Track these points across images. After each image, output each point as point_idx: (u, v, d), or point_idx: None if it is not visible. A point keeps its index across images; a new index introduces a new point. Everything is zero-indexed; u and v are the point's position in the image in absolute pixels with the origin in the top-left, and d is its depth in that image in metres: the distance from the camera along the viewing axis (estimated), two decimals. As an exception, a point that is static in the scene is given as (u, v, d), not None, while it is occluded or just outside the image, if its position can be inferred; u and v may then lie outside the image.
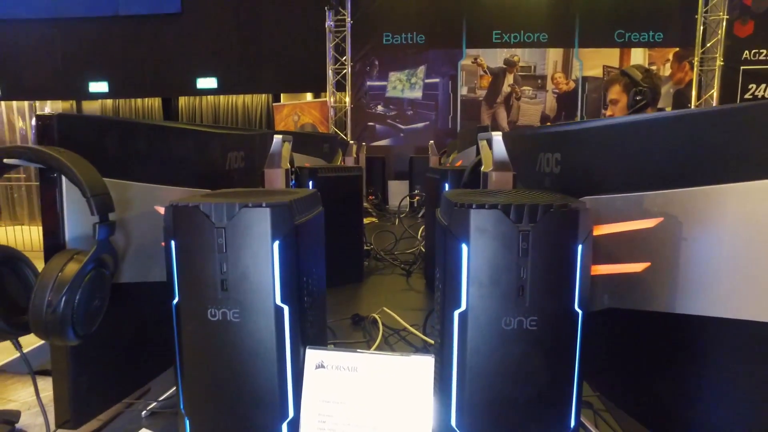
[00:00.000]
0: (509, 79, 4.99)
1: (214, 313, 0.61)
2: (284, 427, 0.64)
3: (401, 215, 2.91)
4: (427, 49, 4.96)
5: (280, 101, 5.73)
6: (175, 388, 0.67)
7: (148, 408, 0.89)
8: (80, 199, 0.59)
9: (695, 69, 4.72)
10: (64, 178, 0.62)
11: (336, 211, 1.60)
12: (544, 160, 0.90)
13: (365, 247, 1.89)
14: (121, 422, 0.87)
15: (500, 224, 0.57)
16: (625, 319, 0.69)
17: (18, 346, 0.61)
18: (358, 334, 1.21)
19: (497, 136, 0.87)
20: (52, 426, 0.68)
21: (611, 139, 0.73)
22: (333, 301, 1.48)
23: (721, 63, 4.64)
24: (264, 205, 0.60)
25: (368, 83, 5.12)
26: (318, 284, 0.76)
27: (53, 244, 0.61)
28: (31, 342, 0.66)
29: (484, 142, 0.92)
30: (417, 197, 3.06)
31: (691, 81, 4.77)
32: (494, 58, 4.97)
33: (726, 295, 0.53)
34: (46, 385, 0.73)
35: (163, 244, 0.63)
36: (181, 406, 0.66)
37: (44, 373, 0.78)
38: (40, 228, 0.62)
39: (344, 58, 5.07)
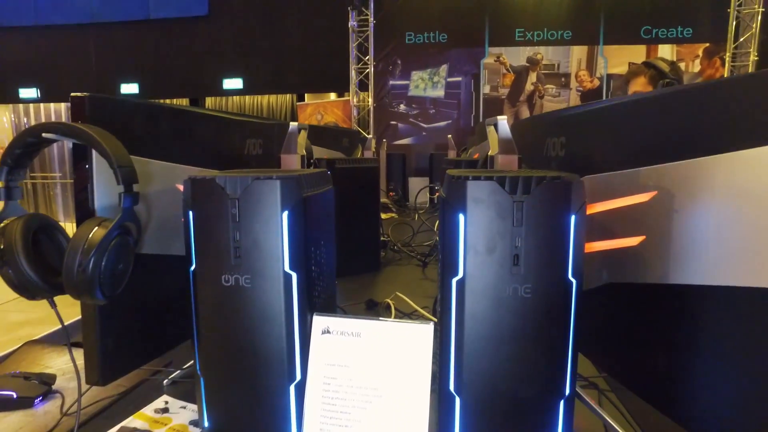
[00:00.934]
0: (532, 77, 4.96)
1: (227, 279, 0.66)
2: (291, 388, 0.68)
3: (420, 211, 2.93)
4: (449, 47, 4.98)
5: (304, 101, 5.83)
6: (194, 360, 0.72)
7: (170, 377, 0.94)
8: (108, 173, 0.65)
9: (727, 65, 4.60)
10: (94, 154, 0.68)
11: (353, 202, 1.65)
12: (551, 145, 0.92)
13: (382, 238, 1.92)
14: (145, 390, 0.93)
15: (495, 195, 0.60)
16: (624, 293, 0.71)
17: (53, 305, 0.66)
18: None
19: (502, 120, 0.89)
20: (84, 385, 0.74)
21: (610, 119, 0.74)
22: (348, 288, 1.53)
23: (756, 58, 4.51)
24: (274, 177, 0.65)
25: (391, 82, 5.17)
26: (327, 257, 0.80)
27: (83, 213, 0.67)
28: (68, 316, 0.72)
29: (491, 127, 0.95)
30: (438, 193, 3.08)
31: (722, 77, 4.66)
32: (517, 56, 4.95)
33: (715, 263, 0.55)
34: (77, 355, 0.79)
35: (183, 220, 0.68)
36: (198, 368, 0.71)
37: (77, 345, 0.84)
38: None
39: (367, 57, 5.14)
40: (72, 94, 0.67)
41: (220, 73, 5.85)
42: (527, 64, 4.94)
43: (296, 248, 0.66)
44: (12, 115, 8.24)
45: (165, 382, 0.94)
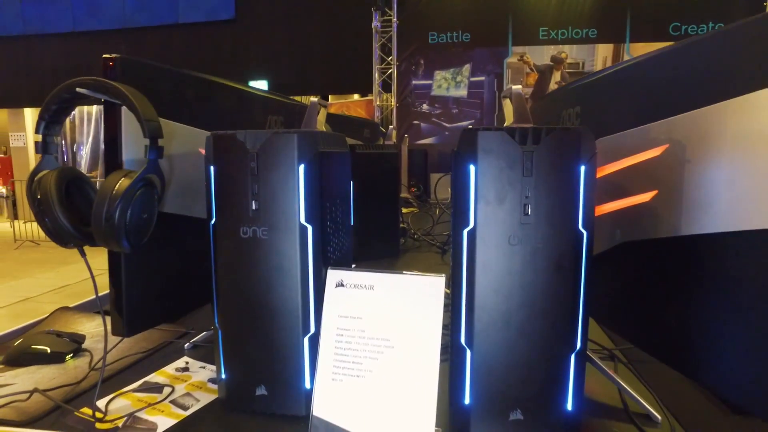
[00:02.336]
0: (556, 76, 4.92)
1: (245, 231, 0.69)
2: (306, 341, 0.70)
3: (443, 204, 2.93)
4: (472, 47, 4.98)
5: (327, 100, 5.91)
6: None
7: (191, 341, 0.98)
8: (136, 131, 0.68)
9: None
10: (123, 112, 0.72)
11: (372, 188, 1.67)
12: (566, 116, 0.92)
13: (402, 226, 1.94)
14: (167, 352, 0.96)
15: (505, 145, 0.61)
16: (637, 252, 0.71)
17: (83, 254, 0.70)
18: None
19: (516, 88, 0.90)
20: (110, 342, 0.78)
21: (620, 81, 0.75)
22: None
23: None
24: (292, 132, 0.67)
25: (414, 82, 5.19)
26: (342, 217, 0.82)
27: (112, 167, 0.70)
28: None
29: (507, 100, 0.95)
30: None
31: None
32: (541, 55, 4.92)
33: (728, 209, 0.55)
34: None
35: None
36: (216, 321, 0.73)
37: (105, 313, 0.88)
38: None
39: (390, 58, 5.18)
40: (104, 55, 0.71)
41: (246, 75, 5.99)
42: (551, 63, 4.90)
43: (312, 201, 0.68)
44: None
45: (186, 345, 0.97)
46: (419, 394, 0.64)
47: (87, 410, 0.73)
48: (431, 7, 5.01)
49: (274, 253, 0.68)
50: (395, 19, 5.06)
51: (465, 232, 0.64)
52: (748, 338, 0.54)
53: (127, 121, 0.72)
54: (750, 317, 0.54)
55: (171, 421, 0.71)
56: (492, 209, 0.62)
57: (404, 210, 2.68)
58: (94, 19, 6.59)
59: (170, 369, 0.88)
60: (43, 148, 0.69)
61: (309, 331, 0.70)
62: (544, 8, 4.79)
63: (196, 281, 0.80)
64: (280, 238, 0.68)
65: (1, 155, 8.62)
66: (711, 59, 0.57)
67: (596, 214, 0.78)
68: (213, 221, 0.71)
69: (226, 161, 0.69)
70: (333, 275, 0.70)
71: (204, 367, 0.89)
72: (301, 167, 0.67)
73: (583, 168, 0.61)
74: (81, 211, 0.69)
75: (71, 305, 1.19)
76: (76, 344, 0.93)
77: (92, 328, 1.05)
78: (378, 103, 5.33)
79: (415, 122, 5.23)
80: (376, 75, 5.26)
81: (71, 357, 0.91)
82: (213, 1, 5.75)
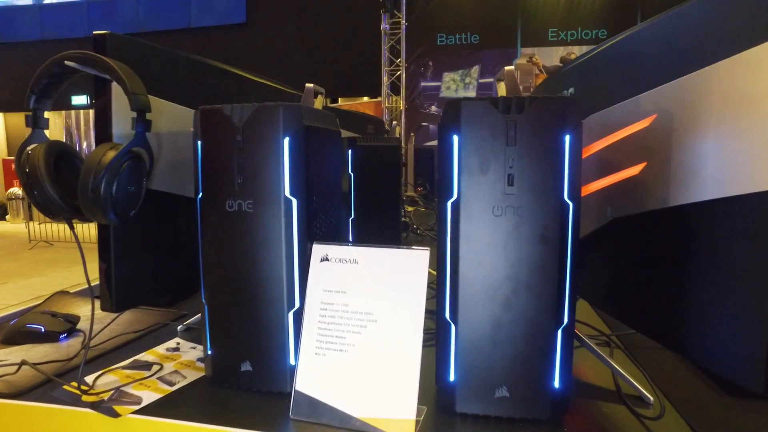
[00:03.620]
0: (566, 77, 4.89)
1: (231, 205, 0.69)
2: (290, 315, 0.70)
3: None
4: (481, 48, 4.98)
5: (337, 102, 5.94)
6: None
7: (184, 323, 0.98)
8: (126, 107, 0.69)
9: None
10: (113, 89, 0.72)
11: (373, 181, 1.67)
12: (562, 98, 0.91)
13: (404, 219, 1.93)
14: (160, 334, 0.96)
15: (488, 114, 0.60)
16: (627, 228, 0.69)
17: (72, 228, 0.71)
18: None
19: (509, 69, 0.89)
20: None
21: (612, 57, 0.74)
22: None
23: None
24: (277, 104, 0.67)
25: (422, 84, 5.20)
26: (331, 193, 0.81)
27: (102, 141, 0.71)
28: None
29: (501, 83, 0.95)
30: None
31: None
32: (550, 56, 4.90)
33: (716, 175, 0.53)
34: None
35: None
36: (203, 297, 0.73)
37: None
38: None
39: (399, 60, 5.19)
40: (95, 32, 0.71)
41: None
42: (561, 65, 4.87)
43: (297, 174, 0.68)
44: (65, 121, 8.76)
45: (179, 327, 0.97)
46: (402, 367, 0.63)
47: (75, 384, 0.73)
48: (440, 8, 5.02)
49: (259, 227, 0.68)
50: (404, 21, 5.08)
51: (449, 203, 0.63)
52: (735, 307, 0.53)
53: (118, 98, 0.73)
54: (736, 285, 0.52)
55: (156, 396, 0.71)
56: (475, 180, 0.61)
57: (410, 208, 2.67)
58: (109, 24, 6.73)
59: (161, 349, 0.88)
60: (33, 122, 0.70)
61: (294, 306, 0.69)
62: (553, 9, 4.78)
63: (187, 262, 0.80)
64: (265, 211, 0.68)
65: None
66: (697, 25, 0.56)
67: (586, 192, 0.77)
68: (200, 195, 0.71)
69: (213, 135, 0.69)
70: (318, 250, 0.70)
71: (195, 348, 0.89)
72: (286, 140, 0.67)
73: (568, 137, 0.60)
74: (70, 184, 0.69)
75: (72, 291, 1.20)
76: (70, 324, 0.93)
77: (88, 311, 1.05)
78: (386, 105, 5.34)
79: (423, 124, 5.23)
80: (384, 77, 5.28)
81: (65, 336, 0.92)
82: (224, 5, 5.84)
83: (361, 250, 0.68)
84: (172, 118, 0.82)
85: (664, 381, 0.75)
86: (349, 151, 1.68)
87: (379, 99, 5.45)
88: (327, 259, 0.69)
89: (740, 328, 0.52)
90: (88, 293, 1.19)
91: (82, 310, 1.07)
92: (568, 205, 0.61)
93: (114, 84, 0.72)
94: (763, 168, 0.47)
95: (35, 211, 7.11)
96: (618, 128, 0.68)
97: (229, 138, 0.68)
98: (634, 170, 0.65)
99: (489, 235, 0.62)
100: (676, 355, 0.84)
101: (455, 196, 0.62)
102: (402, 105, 5.23)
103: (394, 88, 5.28)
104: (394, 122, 3.28)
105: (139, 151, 0.69)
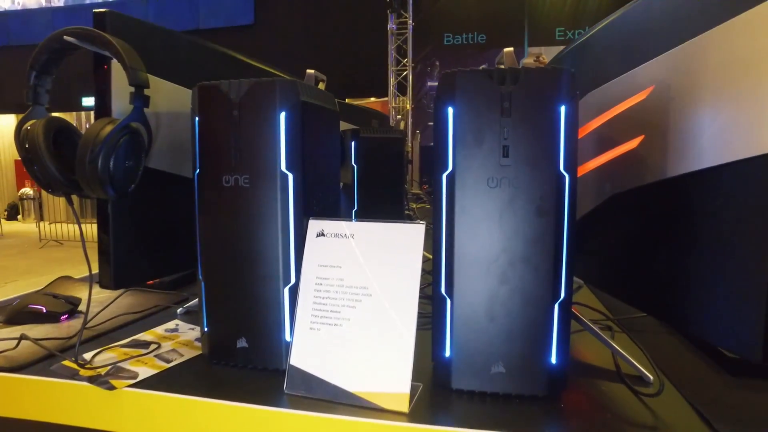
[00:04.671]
0: (574, 77, 4.87)
1: (227, 180, 0.69)
2: (286, 291, 0.69)
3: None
4: (487, 48, 4.98)
5: (344, 100, 5.95)
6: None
7: (184, 306, 0.98)
8: (126, 86, 0.69)
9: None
10: (113, 66, 0.73)
11: (376, 173, 1.67)
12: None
13: (407, 212, 1.93)
14: (160, 316, 0.97)
15: (483, 86, 0.60)
16: (626, 204, 0.69)
17: (70, 203, 0.71)
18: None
19: (508, 50, 0.89)
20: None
21: (609, 35, 0.73)
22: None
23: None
24: (273, 79, 0.67)
25: (429, 84, 5.20)
26: (328, 170, 0.81)
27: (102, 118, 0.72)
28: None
29: (500, 66, 0.94)
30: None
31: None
32: (557, 55, 4.88)
33: (713, 142, 0.53)
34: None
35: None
36: (200, 273, 0.73)
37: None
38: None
39: (405, 60, 5.20)
40: (95, 10, 0.72)
41: (264, 79, 6.08)
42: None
43: (293, 149, 0.68)
44: (75, 122, 8.87)
45: (179, 310, 0.98)
46: (396, 340, 0.62)
47: (73, 360, 0.73)
48: (447, 8, 5.03)
49: (255, 202, 0.68)
50: (411, 21, 5.09)
51: (444, 176, 0.63)
52: (733, 277, 0.52)
53: (117, 76, 0.73)
54: (734, 253, 0.51)
55: (152, 371, 0.71)
56: (470, 152, 0.61)
57: (416, 206, 2.67)
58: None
59: (160, 329, 0.88)
60: (33, 98, 0.70)
61: (289, 282, 0.69)
62: (560, 8, 4.76)
63: (186, 242, 0.81)
64: (261, 186, 0.68)
65: (30, 159, 8.92)
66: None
67: (584, 171, 0.76)
68: (197, 172, 0.71)
69: (210, 111, 0.70)
70: (314, 225, 0.70)
71: (193, 329, 0.89)
72: (282, 114, 0.67)
73: (563, 108, 0.59)
74: (69, 159, 0.70)
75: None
76: (71, 305, 0.94)
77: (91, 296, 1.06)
78: (393, 104, 5.34)
79: (430, 123, 5.22)
80: (391, 77, 5.28)
81: (66, 317, 0.92)
82: (232, 7, 5.89)
83: (356, 224, 0.68)
84: (171, 97, 0.82)
85: (665, 363, 0.74)
86: (353, 143, 1.69)
87: (385, 99, 5.46)
88: (323, 235, 0.69)
89: (739, 298, 0.52)
90: (87, 279, 1.20)
91: (84, 293, 1.08)
92: (564, 176, 0.60)
93: (114, 62, 0.73)
94: (762, 131, 0.47)
95: (46, 212, 7.16)
96: (615, 104, 0.68)
97: (225, 113, 0.68)
98: (632, 144, 0.65)
99: (484, 207, 0.61)
100: (678, 339, 0.83)
101: (450, 168, 0.62)
102: (409, 105, 5.23)
103: (401, 88, 5.29)
104: (399, 116, 3.28)
105: (138, 127, 0.69)
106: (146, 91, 0.70)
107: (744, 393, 0.65)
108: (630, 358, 0.70)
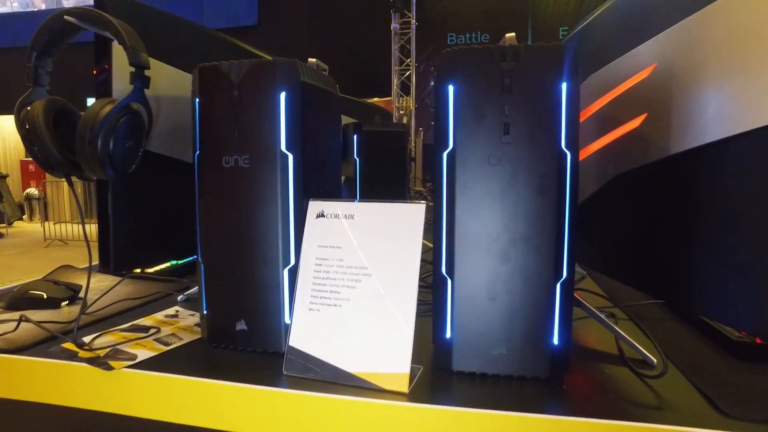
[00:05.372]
0: (577, 76, 4.86)
1: (227, 160, 0.69)
2: (285, 272, 0.69)
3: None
4: (491, 48, 4.97)
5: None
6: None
7: (185, 293, 0.98)
8: (127, 69, 0.69)
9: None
10: (113, 48, 0.73)
11: (379, 168, 1.67)
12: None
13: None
14: (160, 303, 0.96)
15: (484, 63, 0.60)
16: (629, 185, 0.68)
17: (71, 184, 0.71)
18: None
19: (510, 36, 0.88)
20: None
21: (610, 16, 0.72)
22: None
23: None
24: (273, 59, 0.67)
25: (432, 83, 5.19)
26: (328, 152, 0.81)
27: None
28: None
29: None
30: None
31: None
32: (561, 55, 4.87)
33: (715, 115, 0.52)
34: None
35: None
36: (199, 255, 0.73)
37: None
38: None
39: (409, 59, 5.20)
40: (96, -7, 0.72)
41: (268, 79, 6.10)
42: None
43: (293, 129, 0.68)
44: (81, 124, 8.88)
45: (180, 297, 0.97)
46: (396, 320, 0.62)
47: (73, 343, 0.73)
48: (450, 8, 5.03)
49: (255, 182, 0.68)
50: (414, 21, 5.10)
51: (444, 154, 0.62)
52: (736, 252, 0.51)
53: (118, 58, 0.73)
54: (740, 228, 0.50)
55: (151, 354, 0.71)
56: (471, 130, 0.61)
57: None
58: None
59: (160, 315, 0.88)
60: (34, 78, 0.70)
61: (289, 263, 0.69)
62: (564, 8, 4.75)
63: (187, 226, 0.81)
64: (261, 166, 0.68)
65: (35, 159, 8.97)
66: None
67: (587, 153, 0.76)
68: (198, 153, 0.71)
69: (210, 92, 0.70)
70: (314, 206, 0.70)
71: (193, 315, 0.89)
72: (282, 94, 0.67)
73: (564, 85, 0.59)
74: (69, 140, 0.70)
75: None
76: (72, 292, 0.94)
77: (92, 284, 1.06)
78: (396, 104, 5.34)
79: (434, 123, 5.22)
80: (394, 77, 5.29)
81: (66, 304, 0.92)
82: (236, 7, 5.91)
83: (357, 205, 0.68)
84: (173, 82, 0.82)
85: (670, 348, 0.73)
86: (355, 136, 1.68)
87: (389, 99, 5.46)
88: (323, 215, 0.69)
89: (744, 274, 0.51)
90: (94, 269, 1.21)
91: (85, 281, 1.08)
92: (565, 154, 0.59)
93: (115, 44, 0.73)
94: (763, 101, 0.46)
95: (51, 212, 7.18)
96: (617, 84, 0.67)
97: (226, 94, 0.68)
98: (634, 123, 0.64)
99: (485, 185, 0.61)
100: (683, 325, 0.82)
101: (450, 146, 0.62)
102: (412, 105, 5.23)
103: (404, 88, 5.29)
104: (401, 111, 3.28)
105: (138, 107, 0.69)
106: (148, 74, 0.70)
107: (750, 375, 0.64)
108: (632, 341, 0.69)
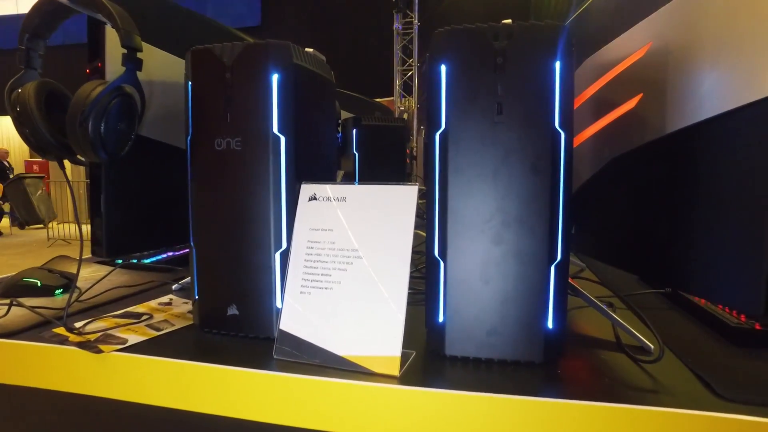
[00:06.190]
0: (580, 76, 4.85)
1: (219, 143, 0.68)
2: (277, 256, 0.68)
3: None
4: (493, 48, 4.97)
5: (349, 103, 5.96)
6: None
7: (179, 282, 0.98)
8: (119, 50, 0.69)
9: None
10: (107, 32, 0.73)
11: (378, 162, 1.66)
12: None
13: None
14: (155, 291, 0.96)
15: (476, 42, 0.59)
16: (625, 168, 0.67)
17: (62, 167, 0.71)
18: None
19: (507, 21, 0.88)
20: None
21: (602, 5, 0.72)
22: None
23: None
24: (266, 41, 0.67)
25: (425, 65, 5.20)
26: (322, 136, 0.80)
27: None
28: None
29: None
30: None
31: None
32: (564, 55, 4.86)
33: (711, 90, 0.51)
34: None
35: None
36: (191, 240, 0.72)
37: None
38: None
39: (411, 60, 5.20)
40: (88, -24, 0.72)
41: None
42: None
43: (286, 112, 0.67)
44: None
45: (174, 286, 0.97)
46: (388, 302, 0.61)
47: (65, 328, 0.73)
48: (452, 8, 5.03)
49: (247, 165, 0.67)
50: (416, 21, 5.10)
51: (437, 134, 0.62)
52: (732, 230, 0.50)
53: (112, 45, 0.73)
54: (735, 206, 0.49)
55: (142, 338, 0.70)
56: (464, 109, 0.60)
57: (420, 201, 2.65)
58: (129, 29, 6.89)
59: (153, 303, 0.88)
60: (25, 61, 0.70)
61: (281, 247, 0.68)
62: (566, 8, 4.74)
63: (180, 212, 0.80)
64: (253, 148, 0.67)
65: (39, 158, 9.01)
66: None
67: (582, 138, 0.75)
68: (190, 136, 0.71)
69: (203, 75, 0.69)
70: (306, 189, 0.69)
71: (187, 303, 0.88)
72: (275, 76, 0.66)
73: (558, 64, 0.58)
74: (61, 123, 0.70)
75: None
76: (66, 280, 0.93)
77: (87, 274, 1.06)
78: (399, 104, 5.34)
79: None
80: (397, 77, 5.29)
81: (60, 292, 0.92)
82: (240, 8, 5.93)
83: (349, 187, 0.67)
84: (169, 67, 0.82)
85: (669, 336, 0.71)
86: (354, 131, 1.68)
87: (391, 98, 5.46)
88: (315, 198, 0.68)
89: (740, 252, 0.50)
90: (92, 260, 1.20)
91: (81, 271, 1.08)
92: (559, 133, 0.59)
93: (108, 28, 0.73)
94: (761, 74, 0.45)
95: (55, 211, 7.16)
96: (612, 66, 0.66)
97: (218, 76, 0.68)
98: (630, 104, 0.63)
99: (478, 165, 0.60)
100: (682, 314, 0.81)
101: (443, 126, 0.61)
102: (414, 105, 5.23)
103: (407, 88, 5.29)
104: (401, 109, 3.28)
105: (129, 89, 0.68)
106: (142, 57, 0.69)
107: (748, 361, 0.63)
108: (629, 327, 0.68)
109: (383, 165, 1.66)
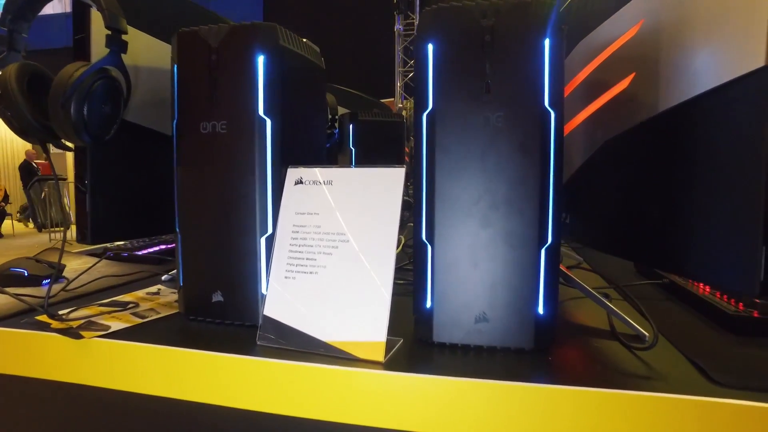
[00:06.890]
0: (582, 77, 4.83)
1: (205, 126, 0.67)
2: (262, 241, 0.67)
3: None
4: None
5: (350, 104, 5.96)
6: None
7: (168, 273, 0.96)
8: (105, 32, 0.68)
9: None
10: (92, 15, 0.72)
11: (376, 157, 1.65)
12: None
13: (405, 198, 1.89)
14: (143, 282, 0.95)
15: (464, 20, 0.58)
16: (618, 150, 0.65)
17: (46, 151, 0.70)
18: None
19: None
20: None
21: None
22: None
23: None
24: (252, 23, 0.65)
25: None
26: (309, 120, 0.79)
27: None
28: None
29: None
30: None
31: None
32: (565, 56, 4.85)
33: (704, 64, 0.49)
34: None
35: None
36: (176, 226, 0.71)
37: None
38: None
39: (413, 61, 5.19)
40: (75, -42, 0.71)
41: (272, 81, 6.13)
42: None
43: (272, 94, 0.66)
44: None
45: (164, 277, 0.95)
46: (373, 287, 0.59)
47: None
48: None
49: (232, 148, 0.66)
50: (417, 22, 5.10)
51: (424, 115, 0.60)
52: (729, 210, 0.49)
53: (97, 29, 0.72)
54: (730, 184, 0.48)
55: (125, 325, 0.69)
56: (451, 89, 0.59)
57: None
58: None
59: (141, 292, 0.86)
60: (8, 43, 0.69)
61: (266, 231, 0.67)
62: (568, 7, 4.73)
63: (166, 199, 0.79)
64: (239, 131, 0.66)
65: (43, 161, 9.05)
66: None
67: (575, 124, 0.73)
68: (176, 120, 0.70)
69: (189, 57, 0.68)
70: (292, 173, 0.68)
71: (175, 293, 0.87)
72: (261, 58, 0.65)
73: (548, 41, 0.56)
74: (45, 106, 0.68)
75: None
76: (53, 269, 0.92)
77: (77, 265, 1.05)
78: (400, 105, 5.34)
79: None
80: (398, 78, 5.28)
81: (48, 282, 0.91)
82: (241, 8, 5.94)
83: (335, 170, 0.66)
84: (157, 53, 0.81)
85: (664, 325, 0.70)
86: (350, 126, 1.66)
87: (391, 100, 5.46)
88: (301, 182, 0.67)
89: (735, 231, 0.48)
90: (82, 254, 1.19)
91: (71, 262, 1.07)
92: (549, 113, 0.57)
93: (94, 12, 0.72)
94: (753, 45, 0.44)
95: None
96: (604, 47, 0.65)
97: (204, 59, 0.67)
98: (623, 84, 0.62)
99: (465, 146, 0.58)
100: (679, 305, 0.79)
101: (430, 106, 0.59)
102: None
103: (408, 89, 5.28)
104: (400, 105, 3.25)
105: (113, 71, 0.67)
106: (133, 43, 0.68)
107: (745, 348, 0.61)
108: (623, 315, 0.66)
109: (381, 161, 1.65)
